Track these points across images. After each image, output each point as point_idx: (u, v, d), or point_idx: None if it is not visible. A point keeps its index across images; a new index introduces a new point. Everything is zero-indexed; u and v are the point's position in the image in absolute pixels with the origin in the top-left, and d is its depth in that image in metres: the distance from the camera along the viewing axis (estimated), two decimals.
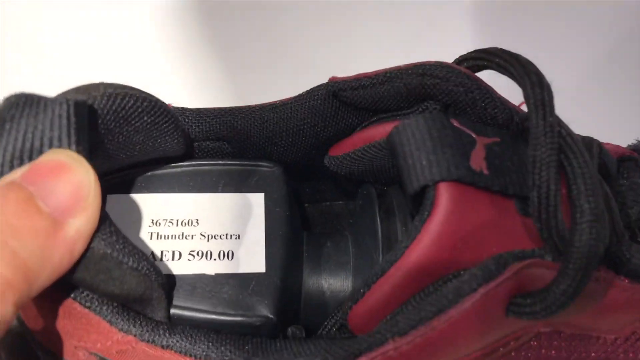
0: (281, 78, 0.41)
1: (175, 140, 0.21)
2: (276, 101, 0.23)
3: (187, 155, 0.23)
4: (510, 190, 0.18)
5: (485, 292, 0.16)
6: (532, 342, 0.18)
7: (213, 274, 0.20)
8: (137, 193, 0.21)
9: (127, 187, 0.22)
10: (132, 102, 0.18)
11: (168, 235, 0.21)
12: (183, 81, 0.41)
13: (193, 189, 0.22)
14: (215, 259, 0.21)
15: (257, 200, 0.22)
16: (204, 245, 0.21)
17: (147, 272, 0.17)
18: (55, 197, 0.16)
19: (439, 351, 0.17)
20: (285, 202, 0.22)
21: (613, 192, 0.21)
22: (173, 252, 0.21)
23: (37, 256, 0.15)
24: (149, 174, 0.22)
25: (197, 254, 0.21)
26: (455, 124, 0.19)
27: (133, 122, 0.19)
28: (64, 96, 0.17)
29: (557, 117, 0.17)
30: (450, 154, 0.18)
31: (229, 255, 0.21)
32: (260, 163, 0.23)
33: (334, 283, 0.22)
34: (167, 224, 0.21)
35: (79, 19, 0.42)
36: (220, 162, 0.23)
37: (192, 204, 0.22)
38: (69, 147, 0.16)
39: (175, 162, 0.22)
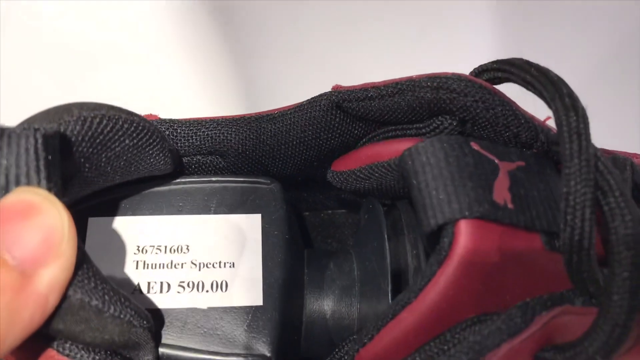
0: (290, 78, 0.38)
1: (162, 161, 0.19)
2: (274, 110, 0.21)
3: (176, 172, 0.21)
4: (537, 226, 0.16)
5: (510, 347, 0.14)
6: None
7: (205, 307, 0.19)
8: (121, 215, 0.20)
9: (111, 208, 0.20)
10: (110, 125, 0.16)
11: (155, 264, 0.19)
12: (187, 83, 0.38)
13: (183, 210, 0.20)
14: (207, 291, 0.19)
15: (254, 222, 0.20)
16: (195, 275, 0.19)
17: (130, 319, 0.16)
18: (24, 246, 0.14)
19: None
20: (285, 224, 0.20)
21: None
22: (161, 283, 0.19)
23: (3, 315, 0.13)
24: (135, 194, 0.20)
25: (188, 285, 0.19)
26: (475, 148, 0.17)
27: (113, 146, 0.17)
28: (31, 125, 0.15)
29: (594, 147, 0.15)
30: (471, 186, 0.16)
31: (222, 286, 0.19)
32: (257, 179, 0.21)
33: (337, 310, 0.21)
34: (155, 251, 0.19)
35: (83, 19, 0.39)
36: (212, 179, 0.21)
37: (181, 227, 0.20)
38: (39, 184, 0.14)
39: (163, 180, 0.20)
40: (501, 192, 0.16)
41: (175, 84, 0.38)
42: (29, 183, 0.14)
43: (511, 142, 0.18)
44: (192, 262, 0.19)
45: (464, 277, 0.15)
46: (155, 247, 0.19)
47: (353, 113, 0.20)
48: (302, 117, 0.20)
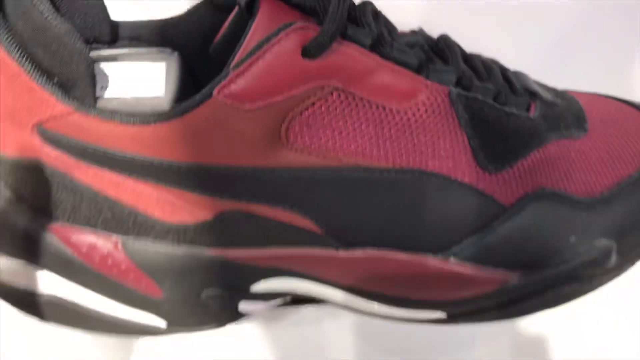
0: None
1: (104, 16, 0.31)
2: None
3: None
4: (309, 3, 0.29)
5: (285, 34, 0.27)
6: (333, 98, 0.28)
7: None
8: None
9: None
10: None
11: None
12: None
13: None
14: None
15: (160, 65, 0.32)
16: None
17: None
18: None
19: (272, 88, 0.27)
20: (185, 72, 0.33)
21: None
22: None
23: None
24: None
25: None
26: None
27: None
28: None
29: None
30: None
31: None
32: (164, 49, 0.34)
33: None
34: None
35: None
36: (132, 49, 0.33)
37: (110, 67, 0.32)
38: None
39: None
40: None
41: None
42: None
43: None
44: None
45: (268, 24, 0.28)
46: None
47: (221, 4, 0.33)
48: (190, 18, 0.34)
